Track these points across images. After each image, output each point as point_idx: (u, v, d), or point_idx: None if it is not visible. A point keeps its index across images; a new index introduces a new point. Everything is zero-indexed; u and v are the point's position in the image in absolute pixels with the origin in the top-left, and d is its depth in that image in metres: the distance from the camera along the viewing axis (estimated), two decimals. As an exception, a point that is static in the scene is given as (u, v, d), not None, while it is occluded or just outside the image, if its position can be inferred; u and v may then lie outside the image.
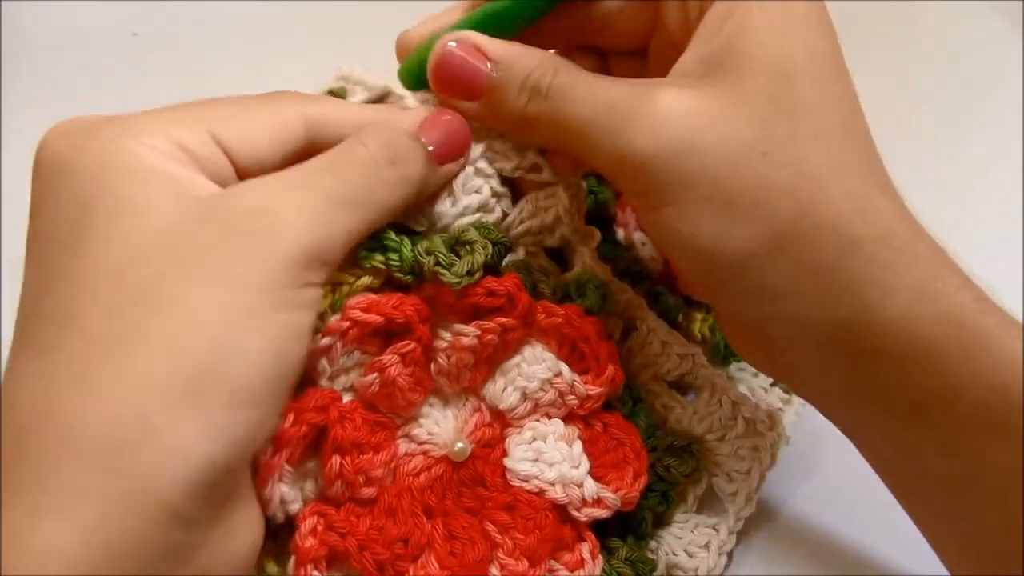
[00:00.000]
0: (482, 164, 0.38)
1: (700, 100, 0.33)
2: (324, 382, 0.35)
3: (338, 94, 0.55)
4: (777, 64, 0.32)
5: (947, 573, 0.36)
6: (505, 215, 0.39)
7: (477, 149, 0.38)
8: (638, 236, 0.47)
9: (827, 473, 0.47)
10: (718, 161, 0.32)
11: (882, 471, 0.36)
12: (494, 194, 0.38)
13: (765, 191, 0.32)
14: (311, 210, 0.31)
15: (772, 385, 0.51)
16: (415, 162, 0.35)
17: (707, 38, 0.34)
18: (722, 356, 0.47)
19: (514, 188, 0.40)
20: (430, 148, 0.36)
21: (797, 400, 0.50)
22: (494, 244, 0.37)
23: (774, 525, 0.46)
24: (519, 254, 0.40)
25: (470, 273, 0.36)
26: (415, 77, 0.38)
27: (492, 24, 0.36)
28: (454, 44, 0.35)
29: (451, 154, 0.37)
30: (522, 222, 0.39)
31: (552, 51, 0.37)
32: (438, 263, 0.35)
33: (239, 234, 0.30)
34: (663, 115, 0.33)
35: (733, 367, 0.49)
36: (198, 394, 0.28)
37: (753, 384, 0.50)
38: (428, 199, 0.38)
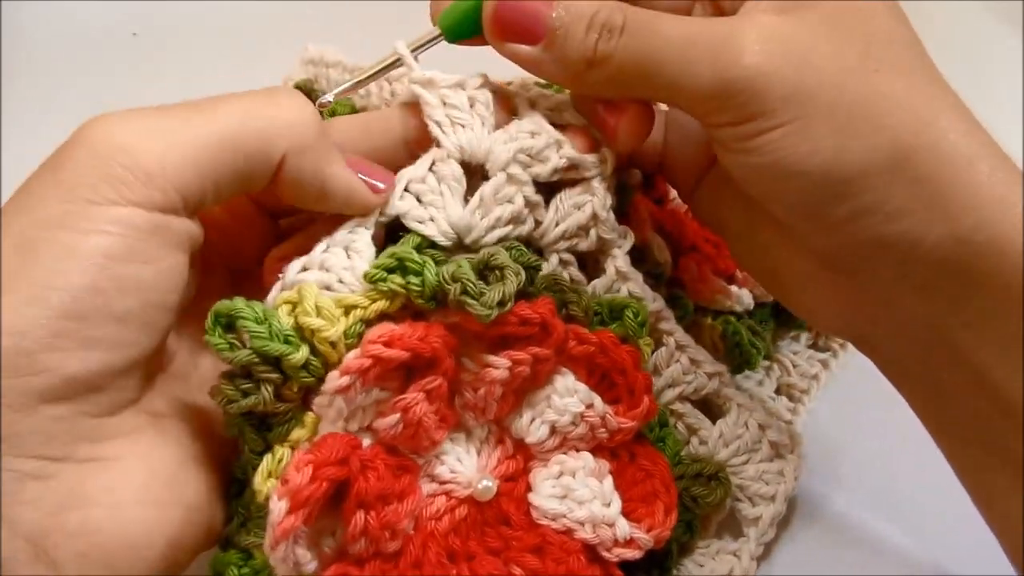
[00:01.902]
0: (515, 170, 0.33)
1: (795, 26, 0.30)
2: (340, 424, 0.30)
3: (303, 87, 0.50)
4: (861, 5, 0.31)
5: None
6: (538, 224, 0.35)
7: (507, 152, 0.33)
8: (653, 237, 0.42)
9: (842, 478, 0.44)
10: (834, 75, 0.30)
11: (950, 432, 0.34)
12: (528, 203, 0.34)
13: (884, 104, 0.30)
14: (120, 119, 0.28)
15: (778, 393, 0.47)
16: (297, 108, 0.31)
17: None
18: (735, 365, 0.44)
19: (548, 190, 0.35)
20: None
21: (804, 410, 0.47)
22: (526, 268, 0.32)
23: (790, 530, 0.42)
24: (552, 263, 0.35)
25: (501, 304, 0.30)
26: (460, 25, 0.34)
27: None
28: None
29: (368, 170, 0.33)
30: (557, 224, 0.34)
31: None
32: (465, 292, 0.30)
33: (54, 154, 0.28)
34: (767, 31, 0.30)
35: (739, 378, 0.46)
36: None
37: (760, 394, 0.46)
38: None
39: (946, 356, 0.32)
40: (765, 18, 0.30)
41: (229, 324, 0.29)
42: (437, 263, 0.31)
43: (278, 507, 0.28)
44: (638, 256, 0.39)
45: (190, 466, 0.31)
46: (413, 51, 0.35)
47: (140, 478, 0.29)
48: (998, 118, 0.61)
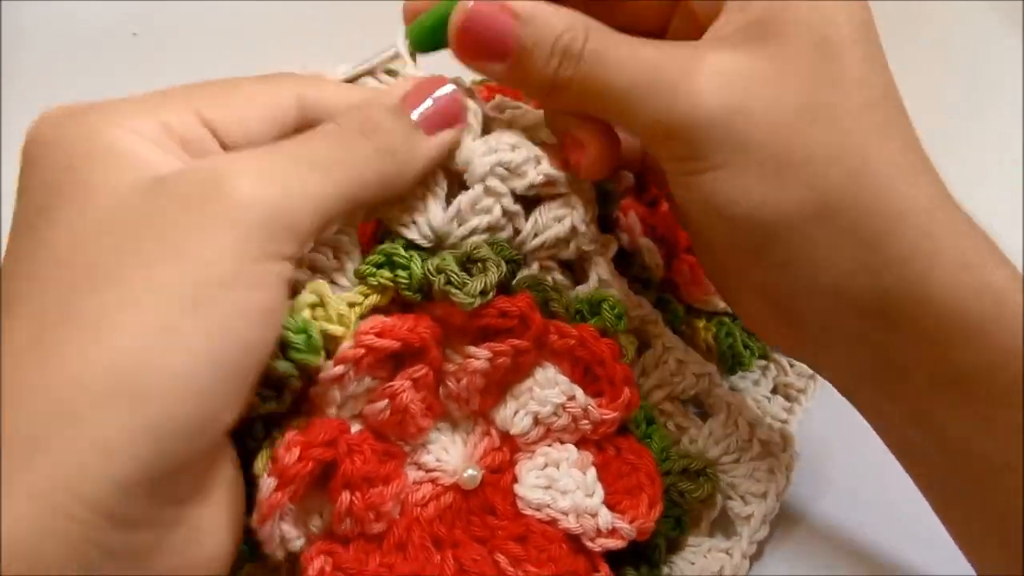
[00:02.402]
0: (493, 183, 0.34)
1: (746, 64, 0.30)
2: (332, 411, 0.31)
3: None
4: (820, 33, 0.31)
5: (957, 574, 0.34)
6: (517, 232, 0.35)
7: (485, 166, 0.34)
8: (643, 242, 0.42)
9: (835, 480, 0.45)
10: (768, 125, 0.30)
11: (906, 456, 0.34)
12: (505, 213, 0.35)
13: (815, 157, 0.30)
14: (266, 173, 0.28)
15: (774, 392, 0.47)
16: (392, 133, 0.31)
17: (742, 7, 0.31)
18: (728, 366, 0.44)
19: (528, 200, 0.36)
20: (415, 118, 0.32)
21: (800, 409, 0.47)
22: (507, 262, 0.34)
23: (784, 532, 0.43)
24: (533, 268, 0.36)
25: (483, 293, 0.32)
26: (428, 37, 0.34)
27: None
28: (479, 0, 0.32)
29: (442, 120, 0.33)
30: (536, 235, 0.35)
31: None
32: (449, 282, 0.32)
33: (187, 205, 0.26)
34: (710, 77, 0.30)
35: (735, 377, 0.46)
36: (130, 384, 0.24)
37: (755, 393, 0.46)
38: (421, 190, 0.34)
39: (890, 398, 0.32)
40: (718, 56, 0.31)
41: None
42: (423, 258, 0.33)
43: (266, 484, 0.29)
44: (626, 260, 0.40)
45: (238, 469, 0.31)
46: (377, 65, 0.35)
47: (227, 499, 0.29)
48: (998, 118, 0.62)
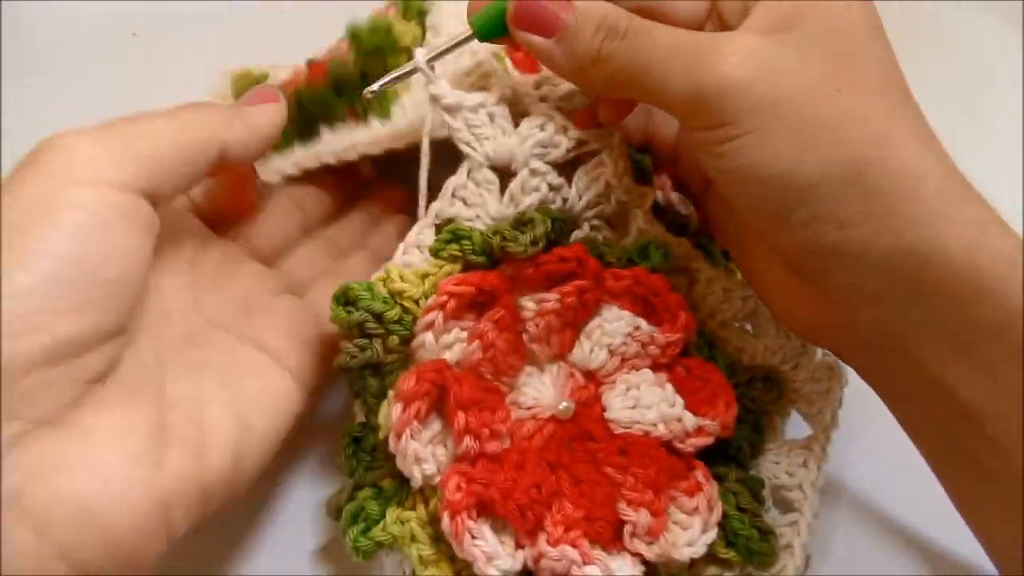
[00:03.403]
0: (535, 164, 0.40)
1: (773, 45, 0.33)
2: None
3: (259, 79, 0.53)
4: (839, 23, 0.34)
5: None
6: (565, 201, 0.41)
7: (525, 151, 0.39)
8: (675, 196, 0.47)
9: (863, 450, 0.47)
10: (799, 89, 0.32)
11: (919, 425, 0.36)
12: (551, 188, 0.40)
13: (842, 121, 0.32)
14: (92, 128, 0.34)
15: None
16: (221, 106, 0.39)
17: (769, 6, 0.34)
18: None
19: (568, 172, 0.41)
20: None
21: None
22: (553, 220, 0.39)
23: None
24: (584, 230, 0.41)
25: (534, 242, 0.38)
26: (489, 23, 0.38)
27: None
28: None
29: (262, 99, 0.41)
30: (580, 197, 0.41)
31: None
32: (504, 239, 0.38)
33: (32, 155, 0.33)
34: (740, 52, 0.33)
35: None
36: None
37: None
38: None
39: (904, 363, 0.34)
40: (748, 37, 0.33)
41: (347, 301, 0.37)
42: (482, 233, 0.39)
43: (395, 409, 0.35)
44: (660, 214, 0.44)
45: (166, 431, 0.33)
46: (447, 50, 0.40)
47: (118, 442, 0.31)
48: (998, 118, 0.63)
